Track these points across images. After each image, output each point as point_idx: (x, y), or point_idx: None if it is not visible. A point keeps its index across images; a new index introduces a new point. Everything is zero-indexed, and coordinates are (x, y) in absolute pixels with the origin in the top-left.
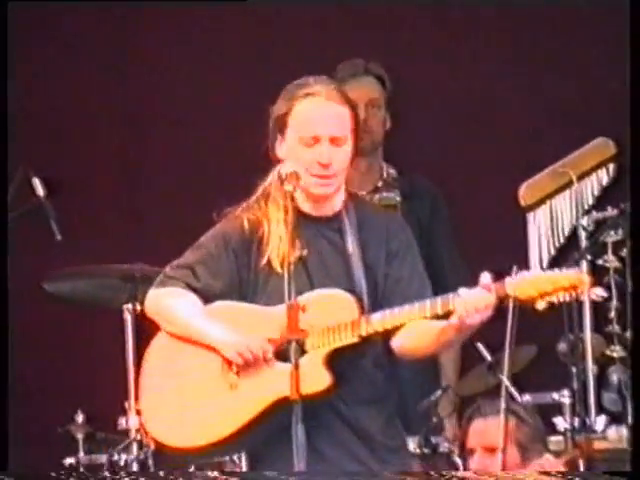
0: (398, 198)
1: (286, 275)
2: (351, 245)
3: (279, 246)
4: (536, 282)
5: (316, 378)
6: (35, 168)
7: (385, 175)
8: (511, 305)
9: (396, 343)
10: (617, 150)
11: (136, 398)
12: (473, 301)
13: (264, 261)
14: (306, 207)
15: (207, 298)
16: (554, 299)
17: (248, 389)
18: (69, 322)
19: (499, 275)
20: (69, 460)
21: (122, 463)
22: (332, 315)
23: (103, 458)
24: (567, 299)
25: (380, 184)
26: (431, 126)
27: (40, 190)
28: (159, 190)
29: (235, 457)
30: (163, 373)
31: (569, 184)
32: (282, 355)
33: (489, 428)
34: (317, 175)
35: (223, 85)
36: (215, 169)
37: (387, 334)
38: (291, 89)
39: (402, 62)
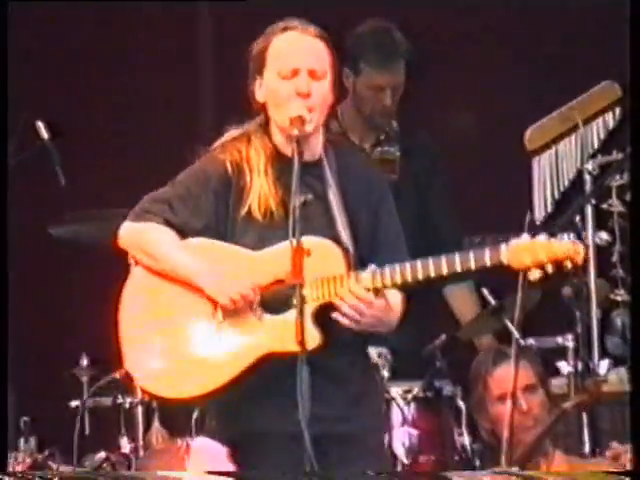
0: (398, 153)
1: (291, 219)
2: (332, 193)
3: (260, 194)
4: (530, 250)
5: (306, 337)
6: (40, 112)
7: (388, 129)
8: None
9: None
10: (623, 93)
11: (119, 344)
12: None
13: (244, 210)
14: (287, 150)
15: (184, 235)
16: (548, 269)
17: (235, 340)
18: (73, 266)
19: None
20: (74, 403)
21: (127, 406)
22: (318, 266)
23: (108, 401)
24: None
25: (382, 137)
26: (438, 77)
27: (44, 134)
28: (164, 134)
29: None
30: (145, 313)
31: (575, 128)
32: (267, 304)
33: (522, 369)
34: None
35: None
36: (221, 115)
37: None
38: (269, 28)
39: (406, 12)
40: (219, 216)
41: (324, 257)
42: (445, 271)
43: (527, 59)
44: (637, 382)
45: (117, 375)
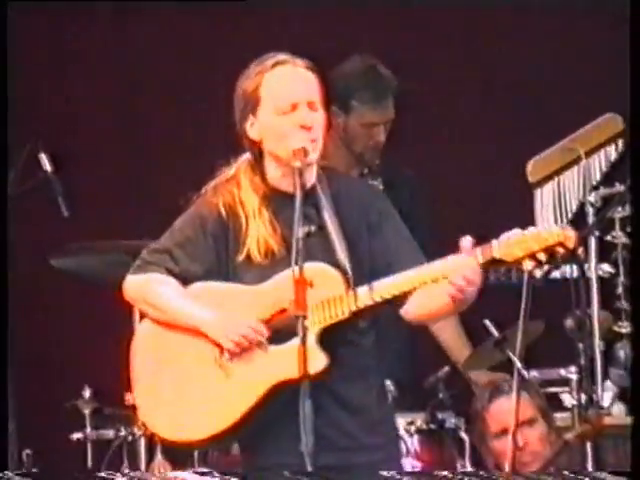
0: (381, 186)
1: (294, 250)
2: (329, 220)
3: (259, 238)
4: (521, 242)
5: (313, 359)
6: (43, 144)
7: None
8: (526, 279)
9: (405, 312)
10: (625, 126)
11: (130, 391)
12: (459, 272)
13: (243, 254)
14: (283, 184)
15: (186, 282)
16: (542, 258)
17: (244, 376)
18: (76, 298)
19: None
20: (76, 435)
21: (129, 438)
22: (318, 290)
23: (110, 433)
24: (555, 257)
25: (365, 171)
26: (437, 107)
27: (47, 166)
28: (166, 167)
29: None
30: (154, 364)
31: (577, 160)
32: (272, 335)
33: (521, 403)
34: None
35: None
36: (223, 148)
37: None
38: (256, 65)
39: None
40: (220, 259)
41: (323, 281)
42: (441, 275)
43: (527, 91)
44: (638, 389)
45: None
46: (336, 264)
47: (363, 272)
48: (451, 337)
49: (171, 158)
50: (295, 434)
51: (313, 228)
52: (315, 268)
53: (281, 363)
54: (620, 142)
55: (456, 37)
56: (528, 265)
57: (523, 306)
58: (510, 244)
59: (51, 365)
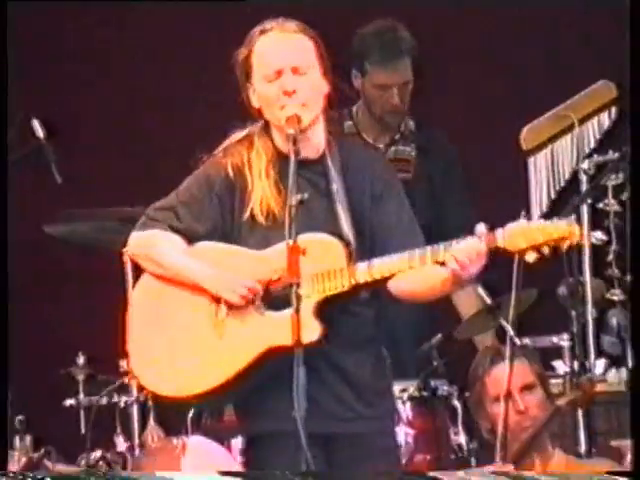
0: (413, 153)
1: (287, 217)
2: (336, 189)
3: (262, 197)
4: (526, 233)
5: (308, 329)
6: (35, 111)
7: (403, 128)
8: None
9: (394, 286)
10: (619, 93)
11: (124, 344)
12: (465, 251)
13: (247, 214)
14: (288, 150)
15: (190, 240)
16: (545, 251)
17: (237, 338)
18: (69, 265)
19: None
20: (70, 401)
21: (122, 405)
22: (320, 261)
23: (104, 400)
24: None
25: (397, 137)
26: (434, 73)
27: (40, 132)
28: (159, 134)
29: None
30: (150, 318)
31: (571, 127)
32: (269, 302)
33: (521, 368)
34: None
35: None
36: (217, 115)
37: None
38: (249, 34)
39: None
40: (225, 219)
41: (325, 252)
42: (442, 258)
43: (523, 58)
44: (637, 382)
45: (126, 381)
46: (339, 234)
47: (365, 243)
48: (468, 304)
49: (166, 125)
50: (292, 401)
51: (306, 195)
52: (318, 239)
53: (275, 329)
54: (613, 109)
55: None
56: (531, 257)
57: (515, 274)
58: (515, 234)
59: (45, 332)
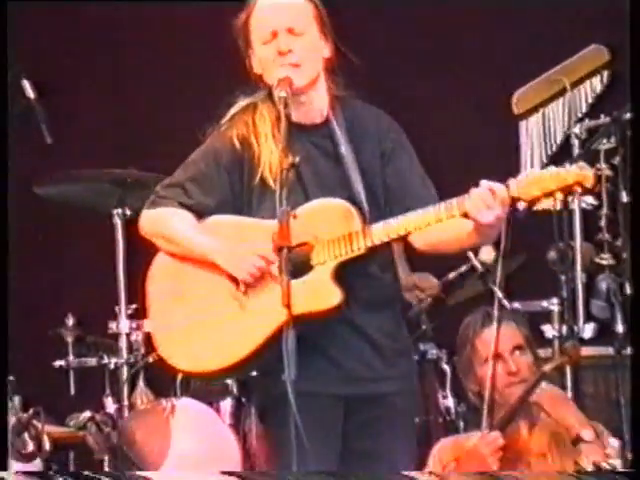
0: None
1: (278, 184)
2: (344, 151)
3: (271, 160)
4: (540, 181)
5: (327, 294)
6: (25, 70)
7: None
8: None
9: (420, 240)
10: (610, 57)
11: (144, 317)
12: (482, 198)
13: (257, 179)
14: (294, 116)
15: (200, 215)
16: (559, 197)
17: (258, 308)
18: (61, 226)
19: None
20: (59, 362)
21: (112, 366)
22: (334, 226)
23: (93, 361)
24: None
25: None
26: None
27: (30, 92)
28: (150, 96)
29: None
30: (170, 295)
31: (562, 91)
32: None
33: (511, 330)
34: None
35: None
36: (206, 78)
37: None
38: None
39: None
40: (235, 191)
41: (340, 217)
42: (457, 213)
43: (514, 20)
44: (637, 380)
45: (150, 359)
46: (352, 198)
47: (378, 203)
48: None
49: (157, 87)
50: (306, 363)
51: (297, 159)
52: (331, 204)
53: (295, 296)
54: (605, 73)
55: None
56: (545, 203)
57: (503, 237)
58: (528, 183)
59: (35, 293)
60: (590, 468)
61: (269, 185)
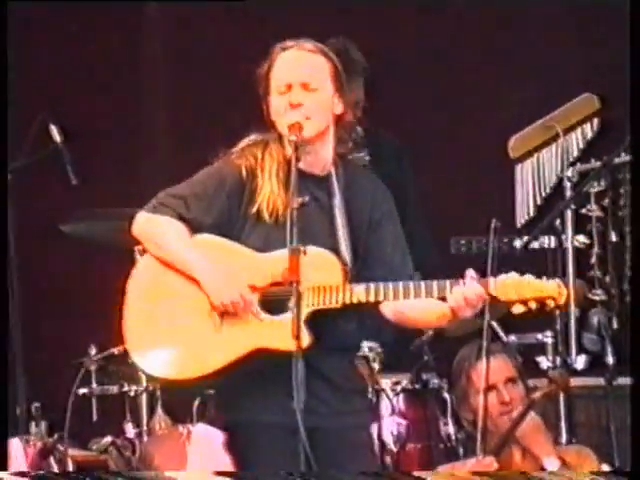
0: (367, 157)
1: (288, 219)
2: (337, 207)
3: (269, 197)
4: (517, 286)
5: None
6: (52, 116)
7: (354, 135)
8: (490, 253)
9: (389, 309)
10: (601, 105)
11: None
12: (469, 293)
13: (254, 209)
14: (300, 163)
15: (195, 231)
16: (532, 306)
17: (230, 333)
18: (84, 262)
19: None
20: (82, 390)
21: (132, 394)
22: (317, 275)
23: (114, 389)
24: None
25: (350, 145)
26: (416, 82)
27: (57, 136)
28: (174, 137)
29: None
30: (149, 298)
31: (556, 137)
32: (265, 305)
33: (504, 363)
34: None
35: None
36: (226, 124)
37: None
38: (271, 50)
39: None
40: (231, 217)
41: (323, 267)
42: (436, 294)
43: (511, 71)
44: (637, 380)
45: (116, 351)
46: (336, 249)
47: (356, 264)
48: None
49: (180, 129)
50: (281, 393)
51: (307, 198)
52: (317, 252)
53: (269, 331)
54: (596, 120)
55: (434, 10)
56: (519, 308)
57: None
58: (506, 285)
59: (61, 327)
60: None
61: (263, 218)
